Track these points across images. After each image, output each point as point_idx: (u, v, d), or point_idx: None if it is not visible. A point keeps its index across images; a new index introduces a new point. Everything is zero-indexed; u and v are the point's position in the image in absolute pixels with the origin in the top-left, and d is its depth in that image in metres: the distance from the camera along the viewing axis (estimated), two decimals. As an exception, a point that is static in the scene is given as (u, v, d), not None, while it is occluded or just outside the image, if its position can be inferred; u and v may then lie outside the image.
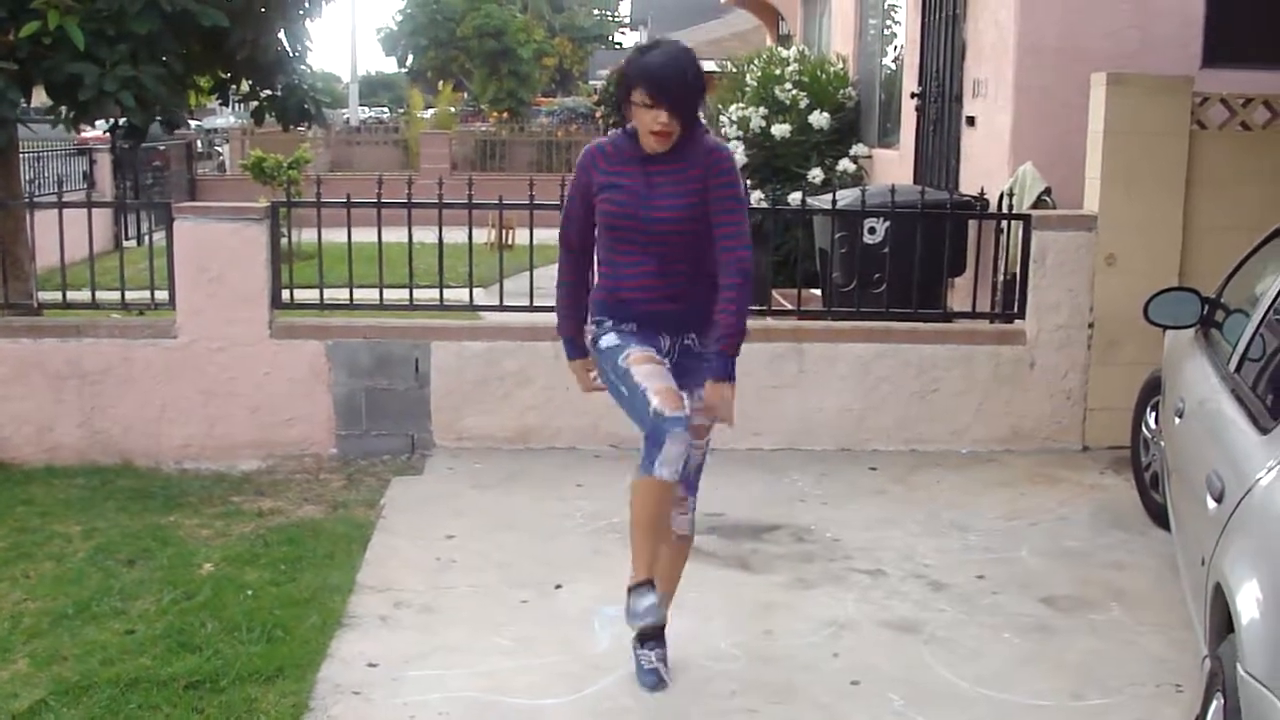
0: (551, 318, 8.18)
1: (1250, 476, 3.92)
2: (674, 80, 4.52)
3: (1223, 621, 3.71)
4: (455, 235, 8.21)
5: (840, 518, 7.01)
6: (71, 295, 8.29)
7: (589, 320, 4.90)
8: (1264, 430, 4.09)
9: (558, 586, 6.03)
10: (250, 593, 5.86)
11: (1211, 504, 4.19)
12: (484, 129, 35.68)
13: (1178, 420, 5.52)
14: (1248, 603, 3.49)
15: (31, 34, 8.11)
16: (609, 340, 4.75)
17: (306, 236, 10.80)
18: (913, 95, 11.84)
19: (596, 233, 4.82)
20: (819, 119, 13.36)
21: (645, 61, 4.56)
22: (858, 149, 13.44)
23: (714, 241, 4.65)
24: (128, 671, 5.03)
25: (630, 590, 4.82)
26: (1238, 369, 4.87)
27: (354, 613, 5.68)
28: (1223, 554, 3.88)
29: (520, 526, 6.85)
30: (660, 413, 4.51)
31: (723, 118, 13.99)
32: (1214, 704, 3.70)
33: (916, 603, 5.89)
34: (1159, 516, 6.60)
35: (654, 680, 4.96)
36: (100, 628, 5.47)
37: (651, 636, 5.05)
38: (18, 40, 8.17)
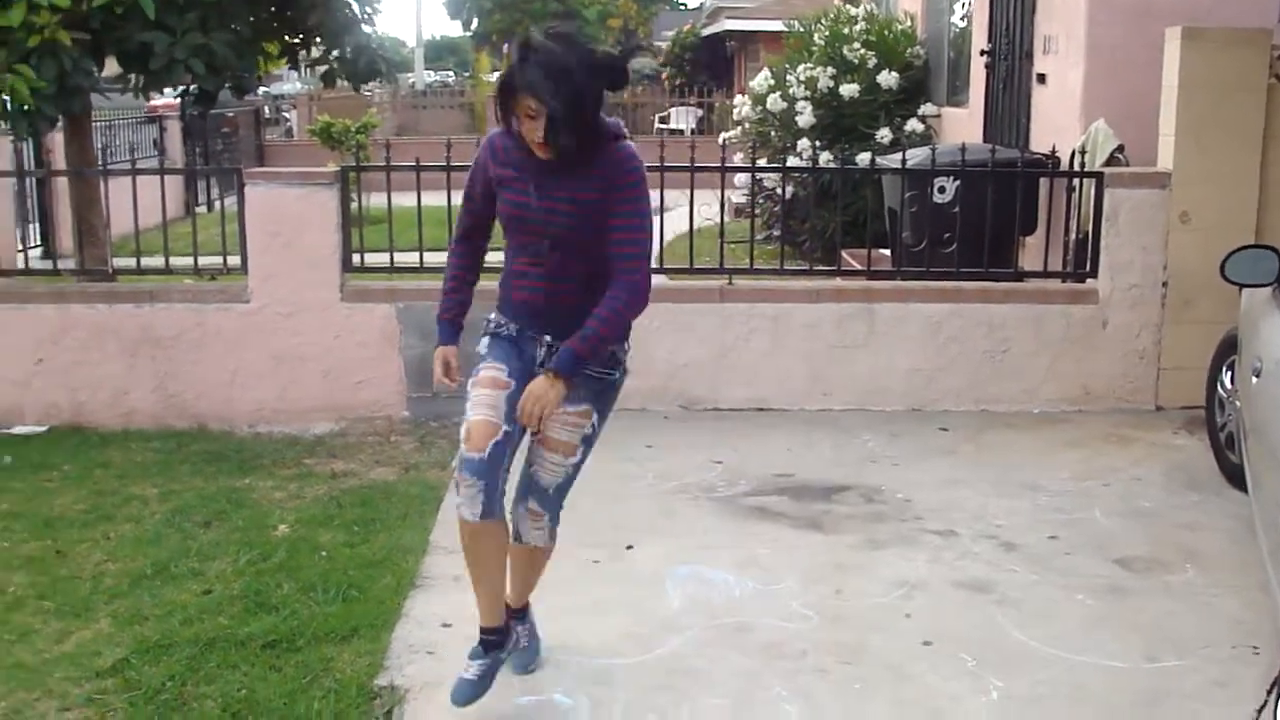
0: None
1: (1329, 435, 3.88)
2: (559, 90, 4.00)
3: (1301, 582, 3.68)
4: (523, 198, 8.21)
5: (911, 478, 7.00)
6: (145, 261, 8.37)
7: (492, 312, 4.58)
8: (1343, 389, 4.04)
9: (629, 547, 6.05)
10: (325, 554, 5.92)
11: (1289, 463, 4.15)
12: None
13: (1255, 380, 5.46)
14: (1327, 562, 3.46)
15: (104, 4, 8.20)
16: (481, 346, 4.51)
17: (375, 200, 10.84)
18: (982, 53, 11.73)
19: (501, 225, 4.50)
20: (887, 78, 13.27)
21: (527, 66, 4.02)
22: (926, 108, 13.35)
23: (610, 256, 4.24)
24: (206, 631, 5.10)
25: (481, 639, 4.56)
26: (1316, 327, 4.81)
27: (427, 573, 5.73)
28: (1301, 514, 3.84)
29: (590, 488, 6.81)
30: (461, 451, 4.31)
31: (790, 77, 13.91)
32: (1292, 664, 3.67)
33: (988, 563, 5.87)
34: (1234, 477, 6.54)
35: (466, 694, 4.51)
36: (179, 588, 5.56)
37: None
38: (91, 10, 8.27)
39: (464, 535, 4.39)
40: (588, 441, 4.53)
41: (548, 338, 4.39)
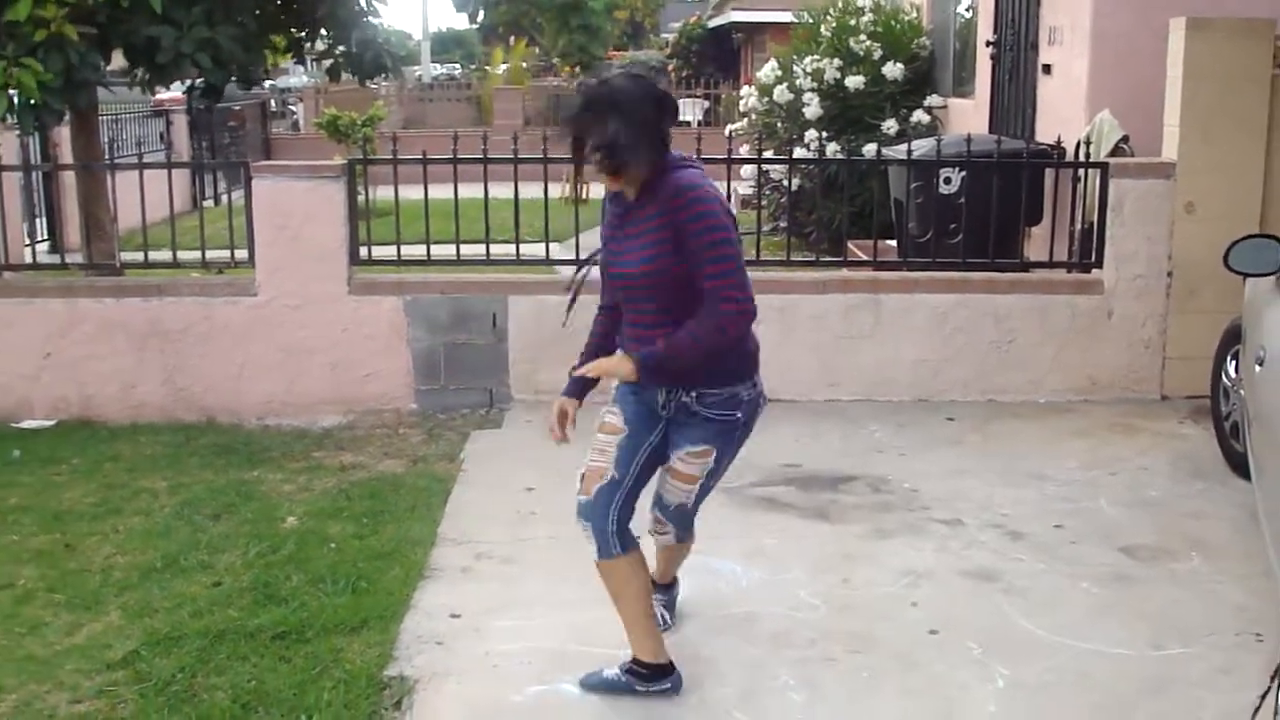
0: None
1: (1332, 423, 3.89)
2: (595, 138, 4.09)
3: (1304, 569, 3.70)
4: (530, 190, 8.24)
5: (918, 468, 7.01)
6: (152, 255, 8.40)
7: None
8: (1346, 377, 4.05)
9: (637, 537, 6.06)
10: (334, 546, 5.95)
11: (1293, 452, 4.17)
12: (556, 84, 35.64)
13: (1259, 368, 5.47)
14: (1330, 550, 3.48)
15: (110, -2, 8.22)
16: (614, 386, 4.62)
17: (382, 194, 10.87)
18: (988, 44, 11.74)
19: None
20: (893, 70, 13.27)
21: (582, 112, 4.13)
22: (932, 99, 13.35)
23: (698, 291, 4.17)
24: (216, 623, 5.13)
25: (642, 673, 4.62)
26: (1320, 316, 4.83)
27: (436, 564, 5.76)
28: (1304, 501, 3.85)
29: (598, 479, 6.89)
30: (579, 501, 4.53)
31: (797, 69, 13.91)
32: (1295, 651, 3.69)
33: (995, 552, 5.89)
34: (1239, 466, 6.55)
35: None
36: (188, 580, 5.59)
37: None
38: (97, 4, 8.29)
39: (598, 570, 4.63)
40: (710, 474, 4.63)
41: (663, 391, 4.48)
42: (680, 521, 4.83)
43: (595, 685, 4.66)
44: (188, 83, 10.02)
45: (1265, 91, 8.03)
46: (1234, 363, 6.86)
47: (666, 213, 4.15)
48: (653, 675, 4.59)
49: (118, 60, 9.57)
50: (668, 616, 5.12)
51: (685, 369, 4.31)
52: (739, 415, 4.49)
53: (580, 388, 4.66)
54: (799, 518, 6.35)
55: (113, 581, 5.60)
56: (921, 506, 6.47)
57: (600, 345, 4.70)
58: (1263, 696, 4.37)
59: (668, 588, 5.17)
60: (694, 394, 4.42)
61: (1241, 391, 6.37)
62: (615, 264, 4.36)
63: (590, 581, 5.51)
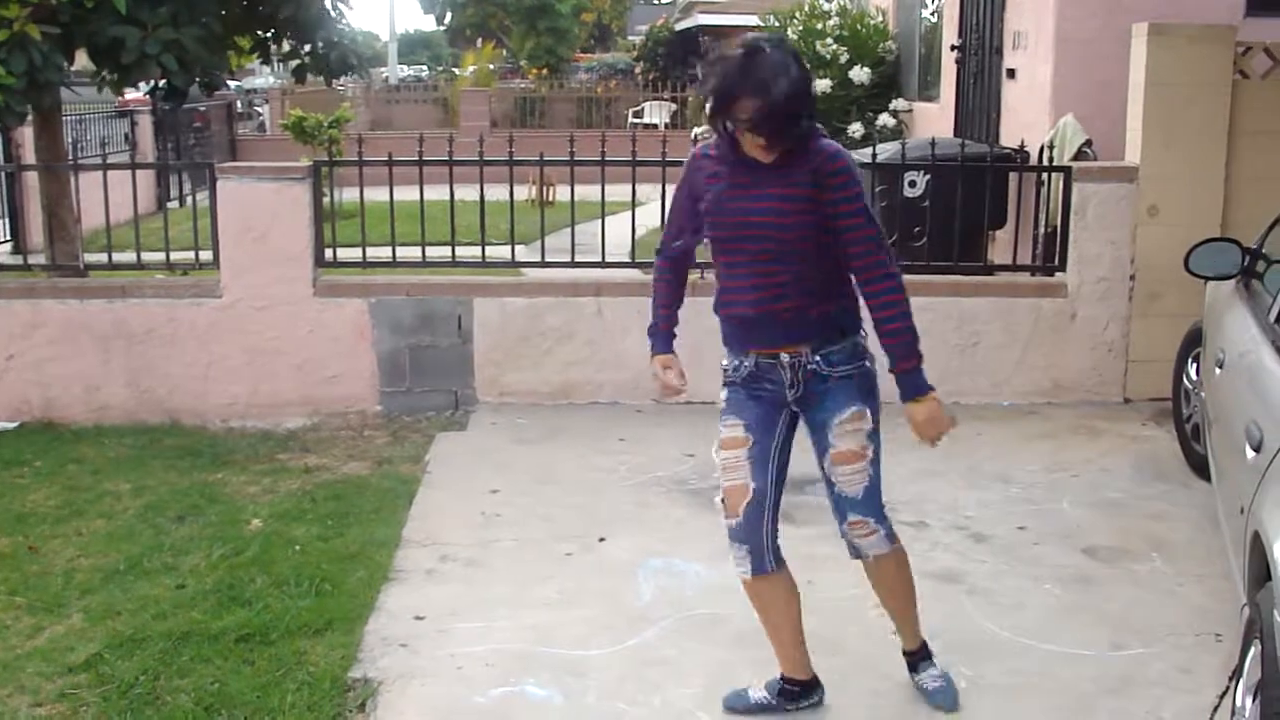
0: (592, 273, 8.30)
1: (1290, 426, 3.93)
2: (766, 103, 3.94)
3: (1261, 569, 3.74)
4: (496, 192, 8.24)
5: (882, 470, 7.01)
6: (116, 256, 8.37)
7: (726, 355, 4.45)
8: (1304, 380, 4.10)
9: (601, 540, 6.09)
10: (298, 548, 5.94)
11: (1251, 454, 4.21)
12: (523, 86, 35.62)
13: (1218, 371, 5.52)
14: (1286, 550, 3.51)
15: (74, -3, 8.17)
16: (723, 397, 4.42)
17: (348, 195, 10.85)
18: (953, 48, 11.79)
19: (708, 245, 4.39)
20: (859, 73, 13.32)
21: (742, 77, 3.96)
22: (898, 103, 13.39)
23: (831, 254, 4.18)
24: (179, 625, 5.12)
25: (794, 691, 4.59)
26: (1278, 319, 4.87)
27: (400, 567, 5.75)
28: (1261, 503, 3.89)
29: (563, 480, 6.91)
30: (729, 525, 4.37)
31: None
32: (1252, 650, 3.72)
33: (958, 554, 5.92)
34: (1200, 468, 6.60)
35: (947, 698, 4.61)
36: (152, 583, 5.57)
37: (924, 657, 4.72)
38: (60, 4, 8.24)
39: (746, 590, 4.50)
40: (873, 437, 4.44)
41: (785, 356, 4.27)
42: (876, 511, 4.50)
43: (741, 708, 4.58)
44: (152, 84, 9.98)
45: (1226, 96, 8.09)
46: (1195, 365, 6.91)
47: (819, 178, 4.10)
48: (804, 692, 4.58)
49: (82, 61, 9.52)
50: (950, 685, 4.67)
51: (816, 333, 4.24)
52: (866, 363, 4.37)
53: (666, 341, 4.59)
54: (763, 519, 6.36)
55: (75, 584, 5.58)
56: (889, 510, 6.47)
57: (670, 316, 4.59)
58: (1221, 696, 4.42)
59: (922, 655, 4.72)
60: (819, 356, 4.27)
61: (1202, 394, 6.43)
62: (749, 225, 4.16)
63: (554, 582, 5.55)
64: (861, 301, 4.30)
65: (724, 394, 4.42)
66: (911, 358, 4.26)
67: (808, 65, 4.17)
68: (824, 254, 4.18)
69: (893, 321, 4.23)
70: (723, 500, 4.36)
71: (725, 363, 4.41)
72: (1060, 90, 9.39)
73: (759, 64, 3.97)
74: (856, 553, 4.54)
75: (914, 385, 4.28)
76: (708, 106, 4.13)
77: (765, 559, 4.36)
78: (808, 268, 4.18)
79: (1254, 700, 3.66)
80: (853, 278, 4.27)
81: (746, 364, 4.33)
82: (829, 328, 4.27)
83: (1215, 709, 4.41)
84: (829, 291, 4.25)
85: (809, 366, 4.28)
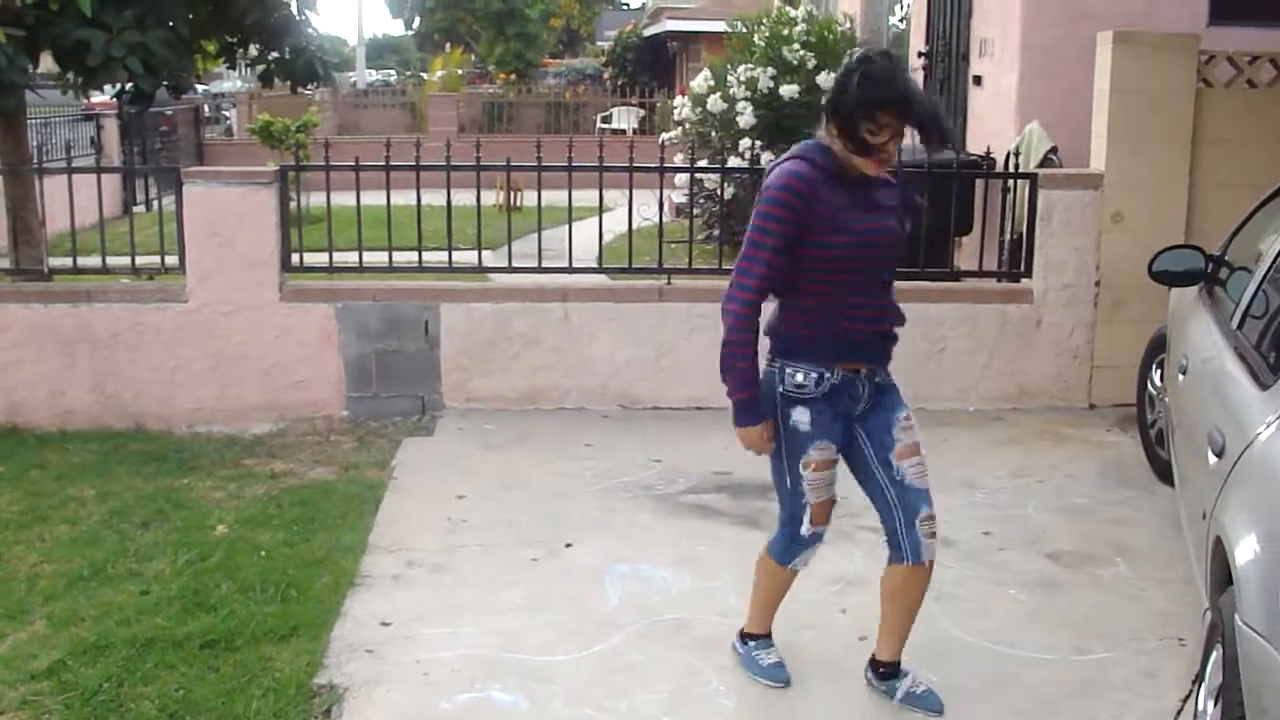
0: (559, 279, 8.29)
1: (1250, 432, 3.96)
2: (923, 106, 4.18)
3: (1222, 574, 3.76)
4: (463, 197, 8.23)
5: (847, 475, 7.03)
6: (82, 261, 8.33)
7: (778, 369, 4.45)
8: (1264, 386, 4.13)
9: (568, 545, 6.08)
10: (264, 553, 5.92)
11: (1213, 459, 4.24)
12: (491, 91, 35.59)
13: (1181, 377, 5.56)
14: (1246, 555, 3.54)
15: (39, 0, 8.13)
16: (800, 420, 4.40)
17: (315, 200, 10.84)
18: (920, 54, 11.84)
19: (802, 270, 4.29)
20: (827, 79, 13.30)
21: (896, 85, 4.11)
22: (865, 109, 13.41)
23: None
24: (144, 631, 5.09)
25: (748, 638, 4.93)
26: (1240, 326, 4.91)
27: (367, 572, 5.74)
28: (1223, 508, 3.92)
29: (530, 486, 6.91)
30: (816, 533, 4.57)
31: (730, 78, 13.96)
32: (1214, 655, 3.75)
33: (923, 559, 5.93)
34: (1164, 473, 6.64)
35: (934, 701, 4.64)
36: (116, 589, 5.54)
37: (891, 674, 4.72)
38: (25, 6, 8.20)
39: (782, 583, 4.79)
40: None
41: (864, 369, 4.43)
42: (933, 503, 4.58)
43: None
44: (118, 87, 9.94)
45: (1190, 104, 8.15)
46: (1159, 371, 6.96)
47: (899, 191, 4.54)
48: (761, 644, 4.88)
49: (47, 63, 9.48)
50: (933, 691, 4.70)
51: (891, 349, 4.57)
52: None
53: (761, 411, 4.47)
54: (730, 525, 6.38)
55: (39, 590, 5.54)
56: (850, 514, 6.46)
57: (755, 364, 4.45)
58: (1184, 700, 4.44)
59: (898, 668, 4.74)
60: (883, 372, 4.55)
61: (1166, 400, 6.47)
62: (876, 239, 4.33)
63: (520, 588, 5.55)
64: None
65: (803, 413, 4.42)
66: None
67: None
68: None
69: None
70: (813, 514, 4.53)
71: (800, 379, 4.39)
72: (1026, 97, 9.44)
73: (905, 73, 4.24)
74: (916, 556, 4.52)
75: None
76: (858, 114, 4.13)
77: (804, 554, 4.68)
78: (892, 285, 4.50)
79: (1216, 704, 3.69)
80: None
81: (830, 379, 4.38)
82: (895, 342, 4.57)
83: (1178, 713, 4.43)
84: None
85: (876, 379, 4.49)
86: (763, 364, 4.46)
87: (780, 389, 4.42)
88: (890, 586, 4.62)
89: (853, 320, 4.36)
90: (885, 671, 4.71)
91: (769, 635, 4.91)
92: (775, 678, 4.77)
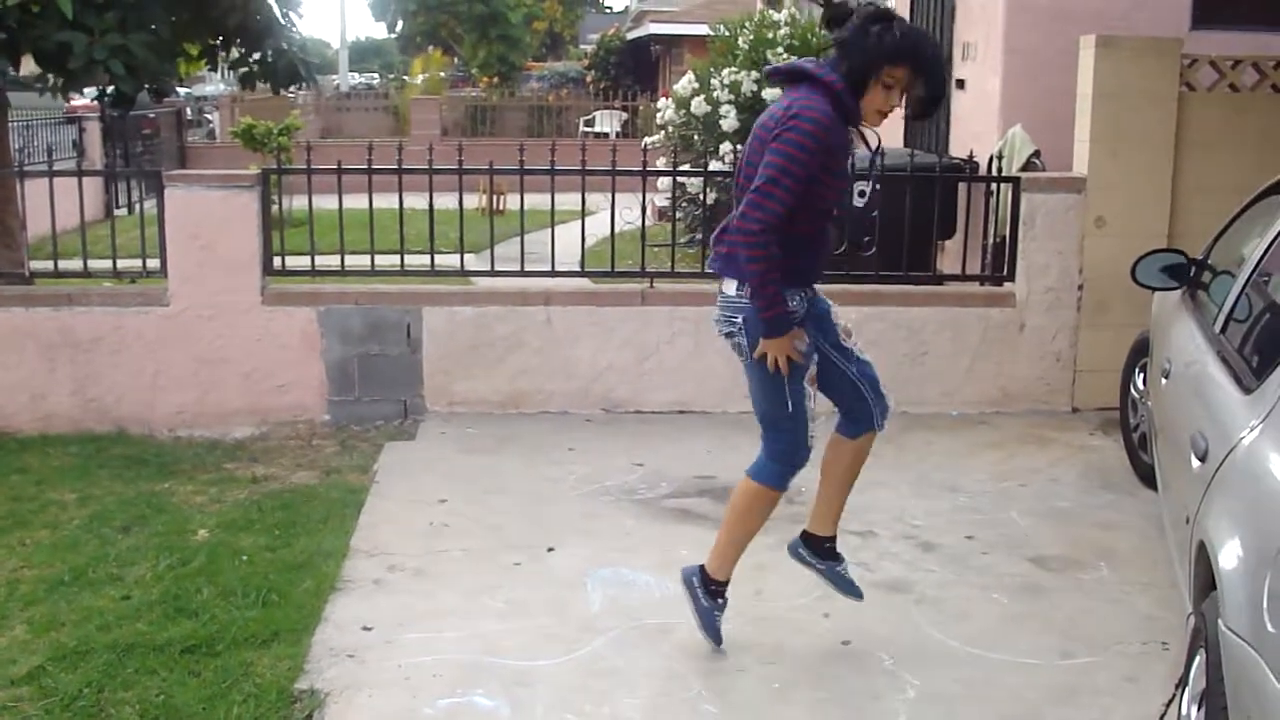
0: (542, 282, 8.28)
1: (1233, 436, 3.96)
2: (937, 62, 4.68)
3: (1206, 578, 3.76)
4: (446, 201, 8.21)
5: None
6: (63, 264, 8.29)
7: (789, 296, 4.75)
8: (1247, 390, 4.13)
9: (550, 549, 6.07)
10: (245, 558, 5.89)
11: (1196, 463, 4.24)
12: (474, 94, 35.59)
13: (1164, 381, 5.56)
14: (1229, 560, 3.54)
15: (19, 2, 8.10)
16: (800, 344, 4.78)
17: (297, 203, 10.81)
18: (903, 58, 11.83)
19: (804, 205, 4.61)
20: (809, 83, 13.33)
21: (916, 41, 4.58)
22: (848, 112, 13.42)
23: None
24: (124, 637, 5.07)
25: (713, 584, 5.04)
26: (1223, 330, 4.91)
27: (348, 577, 5.72)
28: (1206, 512, 3.92)
29: (512, 490, 6.89)
30: (810, 447, 4.86)
31: (714, 81, 13.97)
32: (1197, 659, 3.75)
33: (907, 563, 5.94)
34: (1147, 477, 6.64)
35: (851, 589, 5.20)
36: (96, 594, 5.51)
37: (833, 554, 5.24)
38: (5, 9, 8.17)
39: (768, 507, 4.99)
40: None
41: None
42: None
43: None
44: (100, 89, 9.92)
45: (1172, 108, 8.16)
46: (1142, 375, 6.97)
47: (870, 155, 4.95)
48: (722, 600, 5.02)
49: (29, 66, 9.45)
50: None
51: None
52: None
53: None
54: (713, 529, 6.31)
55: (18, 595, 5.51)
56: (835, 518, 6.50)
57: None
58: (1167, 704, 4.43)
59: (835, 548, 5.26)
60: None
61: (1149, 404, 6.47)
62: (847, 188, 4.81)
63: (502, 593, 5.53)
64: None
65: (805, 337, 4.77)
66: None
67: None
68: None
69: None
70: (812, 436, 4.86)
71: (793, 305, 4.70)
72: (1009, 101, 9.46)
73: (925, 34, 4.89)
74: (883, 419, 5.06)
75: None
76: (874, 66, 4.53)
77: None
78: None
79: (1199, 709, 3.69)
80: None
81: (806, 299, 4.81)
82: None
83: (1162, 717, 4.43)
84: None
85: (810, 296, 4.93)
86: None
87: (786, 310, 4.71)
88: (852, 458, 5.07)
89: (822, 249, 4.86)
90: (830, 548, 5.17)
91: (727, 585, 5.03)
92: (718, 640, 5.00)
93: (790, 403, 4.77)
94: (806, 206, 4.59)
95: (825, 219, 4.84)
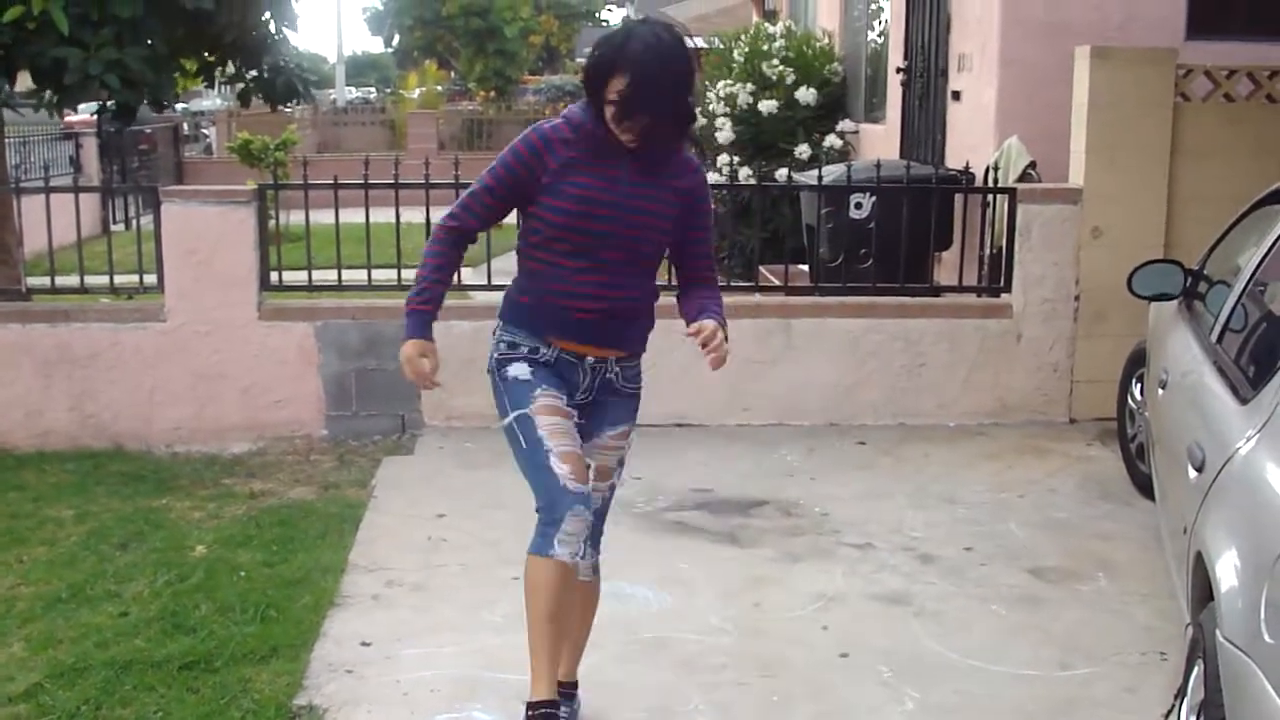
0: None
1: (1230, 446, 3.96)
2: (661, 75, 3.88)
3: (1203, 589, 3.76)
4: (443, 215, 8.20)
5: (829, 492, 7.05)
6: (60, 280, 8.29)
7: (497, 331, 4.27)
8: (1243, 400, 4.13)
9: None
10: (243, 574, 5.89)
11: (1193, 474, 4.24)
12: (471, 108, 35.62)
13: (1161, 391, 5.56)
14: (1226, 570, 3.54)
15: (15, 18, 8.11)
16: (518, 371, 4.14)
17: (294, 218, 10.81)
18: (898, 70, 11.85)
19: (528, 230, 4.18)
20: (805, 95, 13.35)
21: (630, 48, 3.88)
22: (844, 124, 13.44)
23: (683, 265, 4.30)
24: (122, 653, 5.06)
25: (532, 709, 4.14)
26: (1219, 340, 4.91)
27: (346, 592, 5.71)
28: (1203, 523, 3.92)
29: (510, 505, 6.85)
30: (565, 487, 4.00)
31: (710, 94, 13.98)
32: (1195, 670, 3.74)
33: (905, 575, 5.93)
34: (1145, 487, 6.64)
35: None
36: (94, 611, 5.50)
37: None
38: (1, 25, 8.18)
39: (551, 583, 4.04)
40: (623, 464, 4.39)
41: (590, 359, 4.17)
42: (597, 536, 4.30)
43: None
44: (97, 105, 9.93)
45: (1168, 119, 8.17)
46: (1139, 385, 6.97)
47: (688, 185, 4.16)
48: (548, 710, 4.15)
49: (24, 81, 9.45)
50: None
51: (631, 344, 4.26)
52: (641, 389, 4.37)
53: (429, 327, 4.20)
54: (710, 542, 6.37)
55: (16, 612, 5.50)
56: (832, 530, 6.50)
57: (442, 282, 4.24)
58: (1166, 715, 4.44)
59: (572, 696, 4.51)
60: (619, 366, 4.24)
61: (1146, 414, 6.48)
62: (620, 219, 4.02)
63: (500, 607, 5.52)
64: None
65: (520, 367, 4.14)
66: (721, 319, 4.17)
67: (697, 59, 4.13)
68: (657, 265, 4.27)
69: (717, 309, 4.19)
70: (564, 465, 4.02)
71: (511, 339, 4.18)
72: (1005, 112, 9.45)
73: (640, 39, 3.92)
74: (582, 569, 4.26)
75: (718, 317, 4.15)
76: (594, 76, 3.98)
77: (584, 542, 4.11)
78: (649, 276, 4.24)
79: (1198, 719, 3.69)
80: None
81: (546, 353, 4.15)
82: (641, 341, 4.31)
83: (1160, 728, 4.43)
84: (652, 305, 4.30)
85: (607, 375, 4.24)
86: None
87: (495, 354, 4.23)
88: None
89: (571, 295, 4.08)
90: (566, 693, 4.42)
91: (556, 703, 4.17)
92: None
93: (524, 441, 4.11)
94: (528, 235, 4.17)
95: (557, 255, 4.09)
